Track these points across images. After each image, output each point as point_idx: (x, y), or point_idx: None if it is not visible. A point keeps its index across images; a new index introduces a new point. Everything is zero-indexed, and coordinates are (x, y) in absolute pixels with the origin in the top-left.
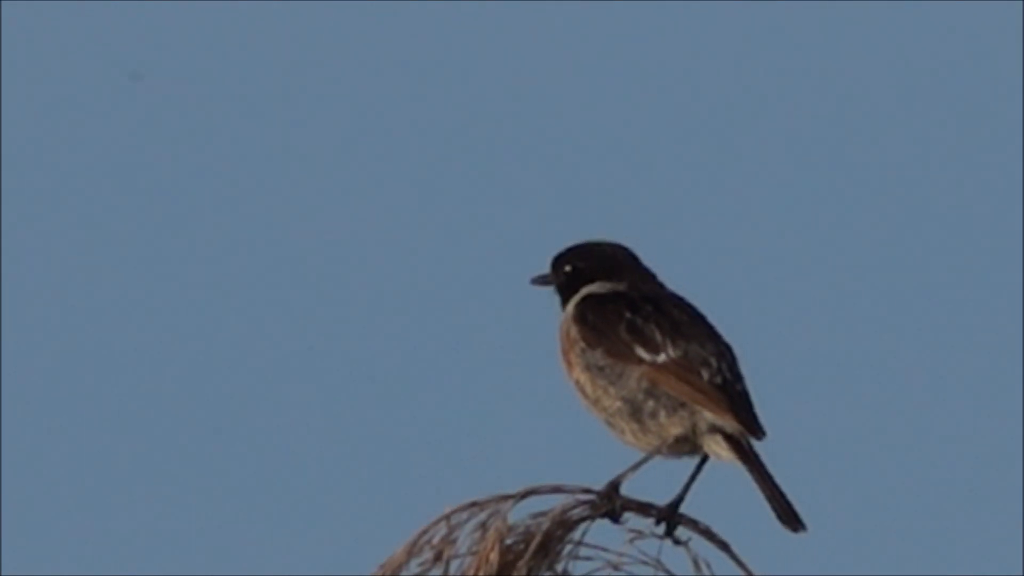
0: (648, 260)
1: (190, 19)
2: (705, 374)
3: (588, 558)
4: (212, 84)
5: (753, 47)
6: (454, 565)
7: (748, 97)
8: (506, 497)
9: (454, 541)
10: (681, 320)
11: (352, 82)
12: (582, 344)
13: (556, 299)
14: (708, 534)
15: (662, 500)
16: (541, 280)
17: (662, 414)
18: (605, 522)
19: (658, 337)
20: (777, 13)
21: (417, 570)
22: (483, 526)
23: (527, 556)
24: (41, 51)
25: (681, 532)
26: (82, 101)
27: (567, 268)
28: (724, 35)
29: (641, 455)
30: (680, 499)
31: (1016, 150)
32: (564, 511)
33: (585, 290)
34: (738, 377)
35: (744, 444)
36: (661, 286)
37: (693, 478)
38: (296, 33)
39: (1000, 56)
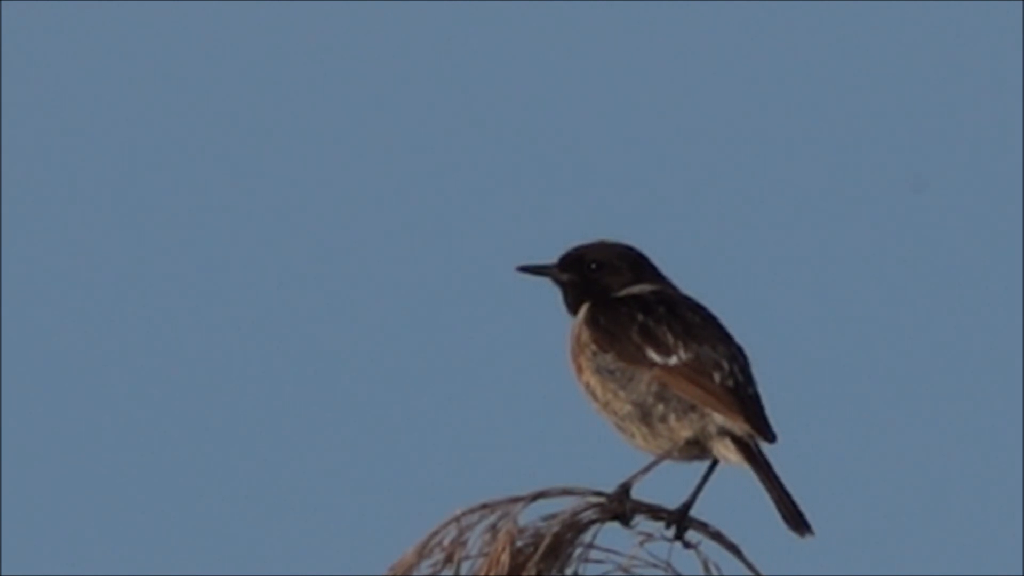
0: (659, 262)
1: (190, 19)
2: (717, 377)
3: (598, 561)
4: (212, 84)
5: (754, 47)
6: (465, 566)
7: (753, 99)
8: (517, 499)
9: (465, 543)
10: (693, 322)
11: (353, 82)
12: (593, 347)
13: (560, 298)
14: (719, 537)
15: (673, 504)
16: (540, 271)
17: (672, 418)
18: (615, 525)
19: (670, 339)
20: (777, 13)
21: (428, 571)
22: (494, 528)
23: (536, 558)
24: (41, 51)
25: (691, 535)
26: (82, 101)
27: (592, 265)
28: (726, 35)
29: (651, 458)
30: (691, 503)
31: (1016, 150)
32: (574, 514)
33: (625, 292)
34: (750, 380)
35: (753, 447)
36: (675, 288)
37: (704, 482)
38: (297, 33)
39: (1000, 56)
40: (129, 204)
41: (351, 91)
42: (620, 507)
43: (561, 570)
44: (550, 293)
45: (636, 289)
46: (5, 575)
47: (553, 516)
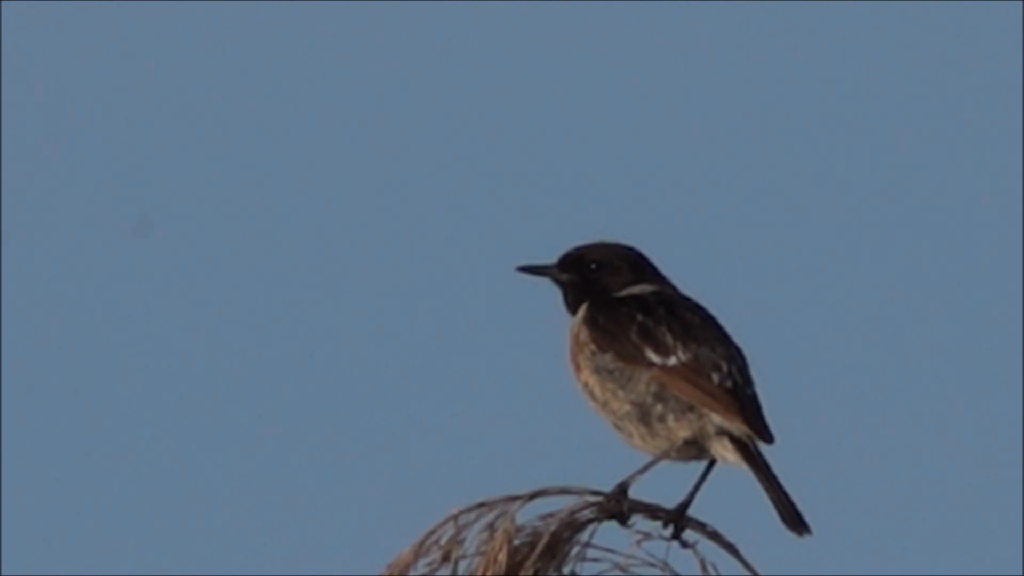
0: (659, 262)
1: (189, 19)
2: (715, 377)
3: (596, 559)
4: (212, 84)
5: (755, 47)
6: (462, 565)
7: (753, 99)
8: (514, 498)
9: (462, 541)
10: (692, 323)
11: (353, 82)
12: (592, 347)
13: (560, 298)
14: (716, 537)
15: (670, 503)
16: (539, 271)
17: (670, 418)
18: (613, 524)
19: (669, 340)
20: (777, 13)
21: (425, 570)
22: (491, 527)
23: (534, 557)
24: (41, 51)
25: (689, 534)
26: (82, 101)
27: (592, 265)
28: (726, 35)
29: (650, 458)
30: (688, 502)
31: (1016, 150)
32: (572, 512)
33: (625, 292)
34: (748, 381)
35: (751, 448)
36: (674, 288)
37: (701, 481)
38: (297, 33)
39: (1000, 56)
40: (129, 204)
41: (351, 91)
42: (618, 506)
43: (558, 569)
44: (550, 293)
45: (636, 289)
46: (5, 575)
47: (551, 515)
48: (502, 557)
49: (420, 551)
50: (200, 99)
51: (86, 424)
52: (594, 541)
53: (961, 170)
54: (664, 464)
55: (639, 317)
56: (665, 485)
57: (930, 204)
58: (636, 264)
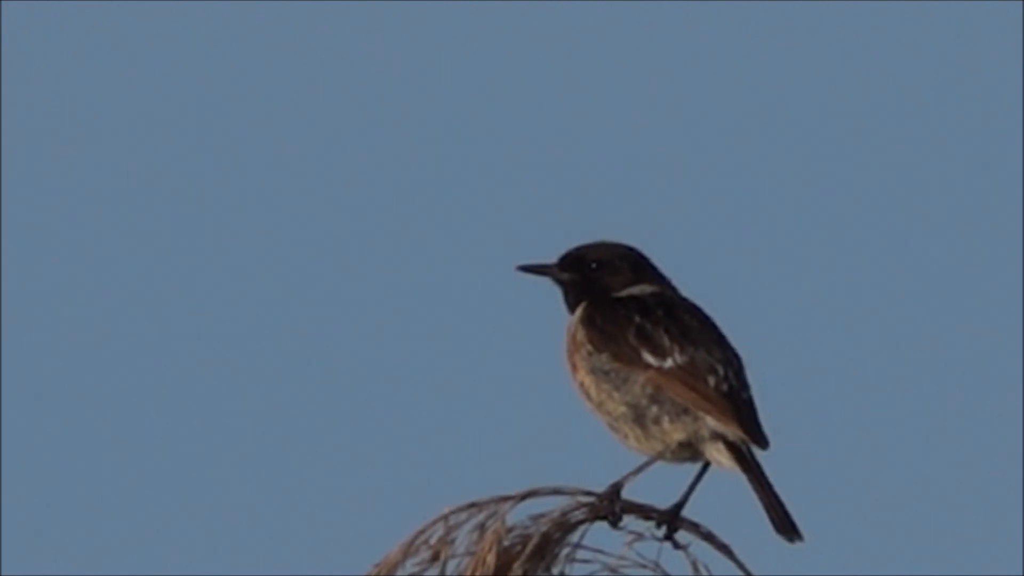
0: (660, 262)
1: (190, 19)
2: (711, 381)
3: (586, 560)
4: (212, 84)
5: (755, 47)
6: (451, 565)
7: (753, 99)
8: (505, 498)
9: (452, 541)
10: (690, 326)
11: (353, 82)
12: (588, 347)
13: (559, 297)
14: (709, 538)
15: (664, 504)
16: (540, 270)
17: (665, 420)
18: (604, 525)
19: (666, 342)
20: (777, 13)
21: (413, 570)
22: (481, 527)
23: (523, 558)
24: (41, 51)
25: (682, 536)
26: (82, 101)
27: (592, 265)
28: (726, 35)
29: (644, 459)
30: (682, 503)
31: (1016, 150)
32: (563, 513)
33: (625, 292)
34: (744, 385)
35: (745, 452)
36: (674, 289)
37: (696, 482)
38: (297, 33)
39: (1000, 56)
40: (129, 204)
41: (351, 91)
42: (610, 507)
43: (548, 570)
44: (550, 293)
45: (636, 290)
46: (5, 575)
47: (542, 515)
48: (491, 558)
49: (409, 551)
50: (200, 99)
51: (86, 424)
52: (586, 542)
53: (961, 171)
54: (659, 465)
55: (637, 319)
56: (659, 486)
57: (929, 206)
58: (637, 264)
